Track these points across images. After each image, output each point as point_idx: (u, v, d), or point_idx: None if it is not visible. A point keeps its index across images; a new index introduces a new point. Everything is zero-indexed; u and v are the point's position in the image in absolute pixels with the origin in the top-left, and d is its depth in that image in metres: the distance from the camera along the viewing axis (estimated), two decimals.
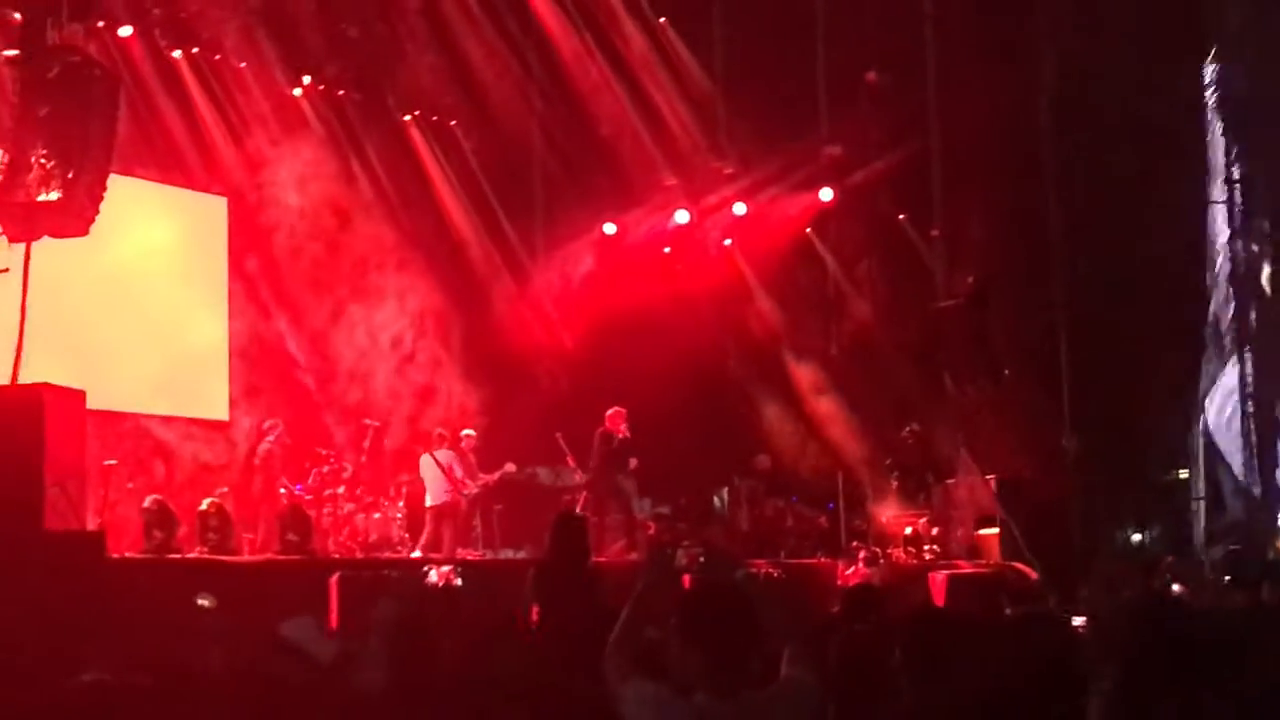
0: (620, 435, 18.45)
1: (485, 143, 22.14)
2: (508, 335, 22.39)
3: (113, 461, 15.97)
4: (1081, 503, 21.58)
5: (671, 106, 22.60)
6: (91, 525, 13.41)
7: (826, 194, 23.04)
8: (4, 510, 11.63)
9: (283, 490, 17.42)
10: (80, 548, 11.88)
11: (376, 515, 17.99)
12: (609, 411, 18.59)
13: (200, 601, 12.43)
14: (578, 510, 16.98)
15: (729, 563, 5.85)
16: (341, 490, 17.78)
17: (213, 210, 20.41)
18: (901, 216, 22.76)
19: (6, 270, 13.24)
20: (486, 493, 18.97)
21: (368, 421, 19.15)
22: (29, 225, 13.21)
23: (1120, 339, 21.33)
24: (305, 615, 7.85)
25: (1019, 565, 18.59)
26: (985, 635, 5.15)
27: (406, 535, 18.06)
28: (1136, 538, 23.86)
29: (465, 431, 19.39)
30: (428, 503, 18.09)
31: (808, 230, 23.39)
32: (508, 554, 18.23)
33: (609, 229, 23.30)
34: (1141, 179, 20.89)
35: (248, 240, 20.47)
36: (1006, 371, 21.02)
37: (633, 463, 18.42)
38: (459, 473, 18.13)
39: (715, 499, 21.41)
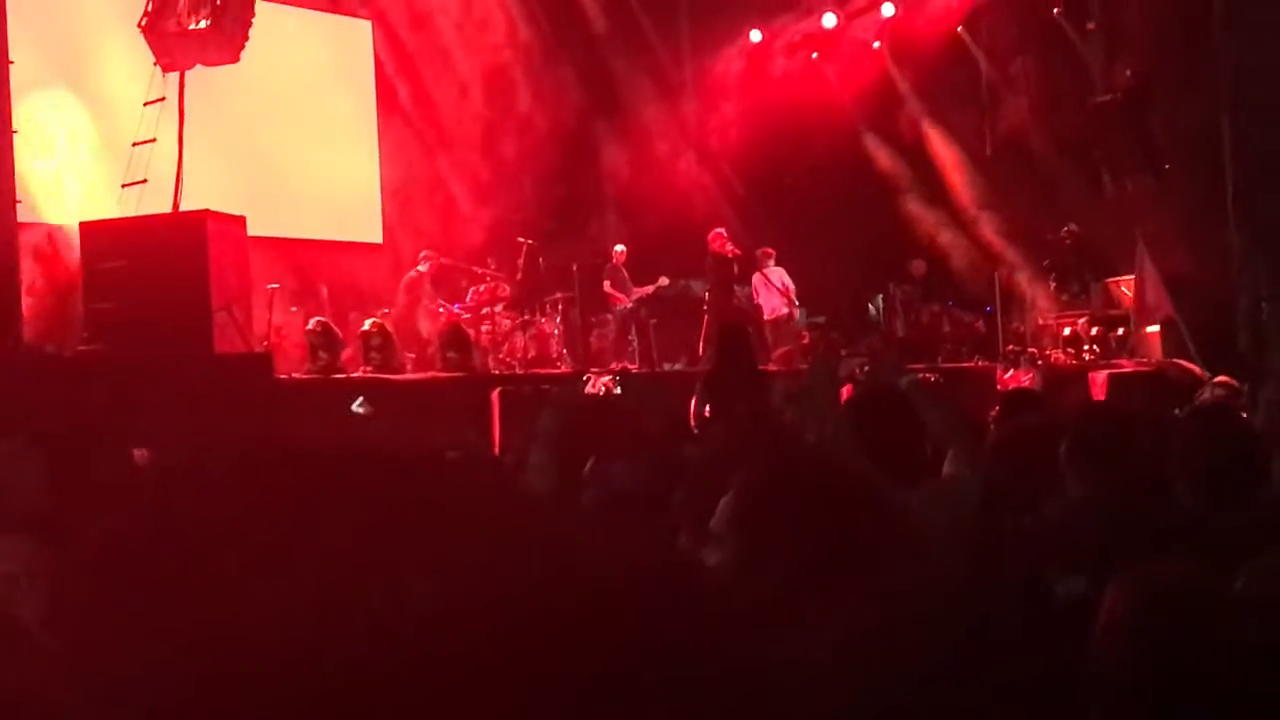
0: (729, 254, 18.77)
1: None
2: (654, 147, 22.28)
3: (275, 285, 16.24)
4: (1247, 301, 21.05)
5: None
6: (258, 348, 13.71)
7: None
8: (175, 335, 11.95)
9: (441, 310, 17.66)
10: (249, 370, 12.16)
11: (533, 332, 18.18)
12: (710, 234, 18.87)
13: (355, 408, 12.56)
14: None
15: (894, 369, 5.85)
16: (500, 308, 17.96)
17: (358, 34, 20.53)
18: (1056, 10, 22.04)
19: (163, 99, 13.41)
20: (641, 306, 19.13)
21: (521, 239, 19.25)
22: (181, 54, 13.38)
23: None
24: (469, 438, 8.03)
25: (1183, 362, 18.21)
26: (1156, 428, 5.08)
27: (565, 351, 18.23)
28: None
29: (617, 247, 19.54)
30: (765, 316, 19.18)
31: (959, 29, 22.79)
32: (665, 367, 18.38)
33: (755, 36, 22.94)
34: None
35: (393, 63, 20.55)
36: (1168, 166, 20.43)
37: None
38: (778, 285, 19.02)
39: (870, 306, 21.27)
